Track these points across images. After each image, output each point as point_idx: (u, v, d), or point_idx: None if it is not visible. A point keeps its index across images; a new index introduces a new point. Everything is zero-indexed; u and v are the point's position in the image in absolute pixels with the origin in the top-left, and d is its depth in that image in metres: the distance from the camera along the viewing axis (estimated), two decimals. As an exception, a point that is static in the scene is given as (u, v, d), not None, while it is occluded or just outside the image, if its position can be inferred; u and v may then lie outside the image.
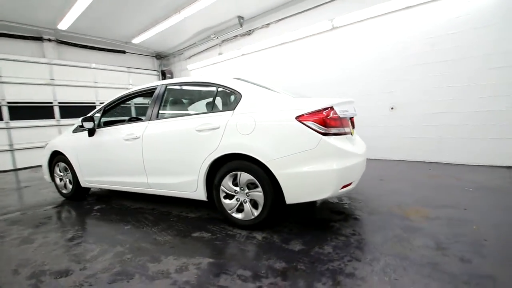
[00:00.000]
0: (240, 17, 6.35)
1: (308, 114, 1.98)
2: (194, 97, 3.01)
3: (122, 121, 3.63)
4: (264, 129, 2.07)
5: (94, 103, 7.75)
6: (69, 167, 3.31)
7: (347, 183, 2.03)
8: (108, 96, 7.92)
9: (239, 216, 2.26)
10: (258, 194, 2.13)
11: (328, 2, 5.25)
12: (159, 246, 2.06)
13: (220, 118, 2.27)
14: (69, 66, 7.22)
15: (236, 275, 1.63)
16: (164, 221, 2.56)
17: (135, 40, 7.54)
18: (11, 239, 2.35)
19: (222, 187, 2.28)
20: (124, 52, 8.35)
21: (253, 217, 2.19)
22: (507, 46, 3.69)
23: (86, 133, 3.12)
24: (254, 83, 2.43)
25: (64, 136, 3.42)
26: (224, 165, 2.25)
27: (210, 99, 2.56)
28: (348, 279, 1.53)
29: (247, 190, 2.19)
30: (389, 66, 4.73)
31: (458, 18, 4.00)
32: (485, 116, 3.95)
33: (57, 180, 3.55)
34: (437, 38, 4.19)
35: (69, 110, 7.21)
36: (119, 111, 3.58)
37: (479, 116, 4.00)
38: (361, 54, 5.08)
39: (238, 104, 2.25)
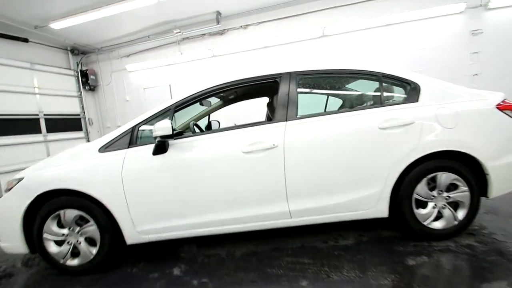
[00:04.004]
0: (218, 13, 5.62)
1: (502, 102, 1.93)
2: (342, 89, 2.29)
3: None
4: (470, 121, 1.86)
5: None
6: (93, 216, 1.86)
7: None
8: (3, 104, 5.17)
9: (437, 225, 1.91)
10: (463, 194, 1.87)
11: (317, 11, 5.47)
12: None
13: (408, 111, 1.87)
14: None
15: None
16: (334, 259, 1.83)
17: (55, 25, 5.26)
18: None
19: (415, 195, 1.88)
20: (26, 40, 5.67)
21: (456, 222, 1.90)
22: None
23: (142, 150, 1.87)
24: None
25: (81, 161, 1.90)
26: (416, 168, 1.86)
27: (369, 90, 2.08)
28: None
29: (445, 194, 1.89)
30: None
31: (437, 36, 5.06)
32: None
33: (51, 245, 1.92)
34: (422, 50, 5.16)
35: None
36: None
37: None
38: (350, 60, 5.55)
39: (420, 95, 1.94)
